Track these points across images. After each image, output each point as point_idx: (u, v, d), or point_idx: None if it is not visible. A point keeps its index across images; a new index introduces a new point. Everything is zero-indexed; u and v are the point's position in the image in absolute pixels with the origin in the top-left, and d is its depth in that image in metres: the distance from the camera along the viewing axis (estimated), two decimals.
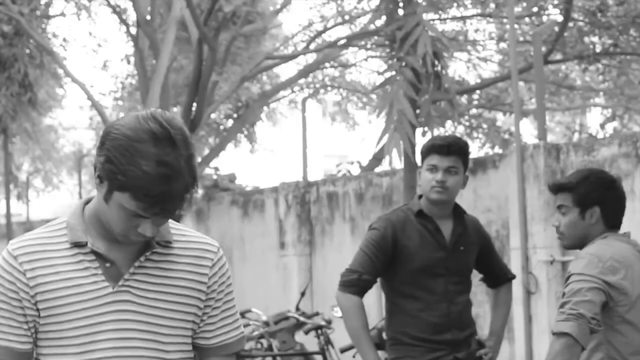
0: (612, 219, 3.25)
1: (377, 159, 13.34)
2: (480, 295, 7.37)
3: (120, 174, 1.91)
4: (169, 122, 1.95)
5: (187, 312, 2.11)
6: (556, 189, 3.32)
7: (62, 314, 2.04)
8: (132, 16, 15.78)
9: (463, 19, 13.64)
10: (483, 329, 5.59)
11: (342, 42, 13.68)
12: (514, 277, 4.18)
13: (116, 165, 1.92)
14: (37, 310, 2.05)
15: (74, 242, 2.06)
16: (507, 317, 4.16)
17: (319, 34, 15.62)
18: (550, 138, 19.38)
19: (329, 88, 17.64)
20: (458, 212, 3.87)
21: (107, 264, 2.05)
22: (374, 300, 7.80)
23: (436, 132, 10.68)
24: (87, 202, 2.13)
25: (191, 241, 2.16)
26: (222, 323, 2.19)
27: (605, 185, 3.26)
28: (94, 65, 29.97)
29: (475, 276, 4.05)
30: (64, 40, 16.36)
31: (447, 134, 14.93)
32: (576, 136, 18.37)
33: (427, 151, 3.78)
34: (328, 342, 7.02)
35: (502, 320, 4.10)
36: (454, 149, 3.75)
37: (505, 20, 12.75)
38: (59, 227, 2.11)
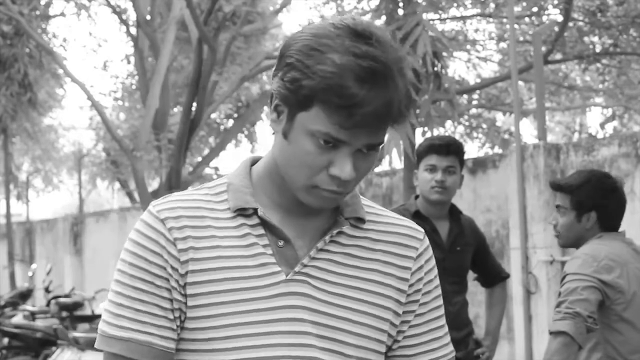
0: (609, 223, 3.24)
1: (377, 159, 13.34)
2: (480, 295, 7.37)
3: (307, 77, 1.38)
4: (369, 22, 1.45)
5: (381, 317, 1.53)
6: (556, 188, 3.32)
7: (217, 305, 1.45)
8: (132, 16, 15.80)
9: (463, 19, 13.65)
10: (483, 329, 5.60)
11: None
12: (508, 276, 4.19)
13: (301, 70, 1.39)
14: (185, 295, 1.47)
15: (238, 209, 1.50)
16: (502, 316, 4.18)
17: None
18: (550, 138, 19.40)
19: None
20: (454, 213, 3.88)
21: (280, 242, 1.49)
22: None
23: (436, 132, 10.69)
24: (254, 162, 1.59)
25: (389, 222, 1.60)
26: (429, 336, 1.59)
27: (604, 192, 3.23)
28: (94, 65, 30.02)
29: (470, 276, 4.06)
30: (64, 40, 16.39)
31: (446, 134, 14.94)
32: (576, 136, 18.38)
33: (426, 151, 3.77)
34: None
35: (498, 319, 4.12)
36: (453, 148, 3.76)
37: (505, 20, 12.76)
38: (217, 189, 1.54)
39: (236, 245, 1.48)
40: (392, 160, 6.91)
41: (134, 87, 18.44)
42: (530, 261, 7.11)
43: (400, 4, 6.60)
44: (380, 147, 1.47)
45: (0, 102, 15.14)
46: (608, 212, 3.21)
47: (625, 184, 6.47)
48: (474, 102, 15.62)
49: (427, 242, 1.61)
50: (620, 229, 3.32)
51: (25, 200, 21.19)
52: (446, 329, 1.61)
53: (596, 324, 2.98)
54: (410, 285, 1.56)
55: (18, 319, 9.30)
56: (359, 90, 1.36)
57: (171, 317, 1.47)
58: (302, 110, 1.41)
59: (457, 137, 17.26)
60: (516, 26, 11.88)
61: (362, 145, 1.41)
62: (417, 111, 6.46)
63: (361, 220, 1.55)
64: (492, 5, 12.38)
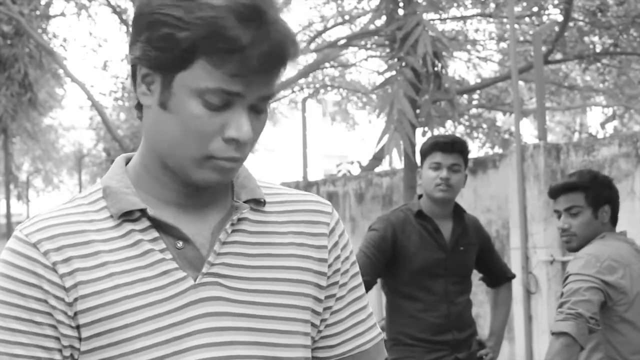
0: (616, 217, 3.30)
1: (377, 159, 13.34)
2: (480, 295, 7.37)
3: (181, 29, 1.18)
4: None
5: (303, 307, 1.33)
6: (565, 190, 3.29)
7: (120, 330, 1.23)
8: (132, 16, 15.79)
9: (463, 19, 13.65)
10: (484, 329, 5.60)
11: (342, 42, 13.68)
12: (513, 276, 4.17)
13: (171, 24, 1.19)
14: (77, 328, 1.24)
15: (123, 213, 1.27)
16: (507, 317, 4.15)
17: (319, 34, 15.62)
18: (550, 138, 19.41)
19: (329, 88, 17.66)
20: (458, 212, 3.86)
21: (179, 243, 1.28)
22: (374, 301, 7.81)
23: (436, 132, 10.70)
24: (128, 161, 1.36)
25: (292, 200, 1.38)
26: (353, 320, 1.40)
27: (611, 184, 3.32)
28: (94, 65, 29.99)
29: (476, 276, 4.05)
30: (64, 40, 16.38)
31: (446, 133, 14.93)
32: (576, 136, 18.38)
33: (430, 149, 3.76)
34: None
35: (503, 319, 4.10)
36: (457, 146, 3.75)
37: (505, 20, 12.77)
38: (92, 197, 1.31)
39: (128, 256, 1.25)
40: (392, 160, 6.91)
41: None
42: (530, 261, 7.10)
43: (400, 4, 6.60)
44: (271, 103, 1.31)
45: (1, 102, 15.14)
46: (616, 205, 3.28)
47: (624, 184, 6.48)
48: (474, 102, 15.61)
49: (336, 215, 1.40)
50: (621, 229, 3.33)
51: (26, 200, 21.19)
52: (370, 310, 1.43)
53: (598, 325, 2.98)
54: (329, 266, 1.36)
55: None
56: (246, 31, 1.17)
57: (58, 358, 1.24)
58: (181, 70, 1.20)
59: None
60: (516, 26, 11.88)
61: (257, 97, 1.23)
62: (417, 111, 6.46)
63: (261, 202, 1.34)
64: (492, 5, 12.38)
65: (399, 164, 7.07)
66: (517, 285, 7.00)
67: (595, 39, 12.59)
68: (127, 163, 1.35)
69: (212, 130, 1.22)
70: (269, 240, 1.33)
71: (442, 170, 3.70)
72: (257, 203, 1.34)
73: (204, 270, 1.27)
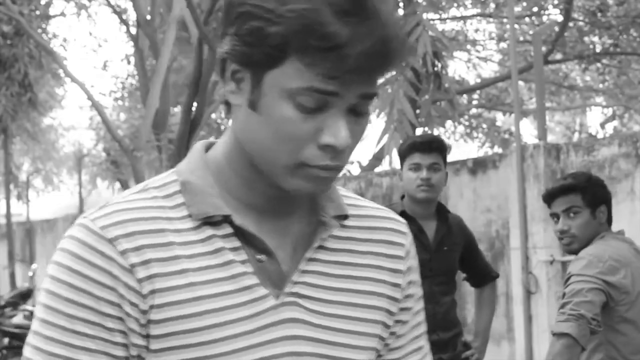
0: (611, 217, 3.30)
1: (377, 159, 13.34)
2: (473, 295, 7.37)
3: (273, 23, 1.04)
4: None
5: (374, 334, 1.24)
6: (562, 191, 3.28)
7: (195, 348, 1.11)
8: (132, 16, 15.81)
9: (463, 19, 13.66)
10: None
11: None
12: (497, 276, 4.15)
13: (262, 17, 1.05)
14: (147, 337, 1.11)
15: (205, 217, 1.14)
16: (492, 317, 4.13)
17: None
18: (550, 138, 19.42)
19: None
20: (442, 212, 3.85)
21: (260, 257, 1.15)
22: None
23: (436, 132, 10.71)
24: (207, 147, 1.21)
25: (371, 215, 1.27)
26: (412, 346, 1.31)
27: (604, 184, 3.33)
28: (94, 65, 30.05)
29: (461, 276, 4.03)
30: (64, 40, 16.39)
31: (446, 133, 14.97)
32: (576, 136, 18.39)
33: (409, 150, 3.75)
34: None
35: (488, 320, 4.07)
36: (435, 145, 3.75)
37: (505, 20, 12.77)
38: (168, 190, 1.17)
39: (209, 265, 1.12)
40: (392, 160, 6.93)
41: (134, 87, 18.45)
42: (530, 261, 7.10)
43: (400, 4, 6.61)
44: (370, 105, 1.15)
45: (1, 102, 15.14)
46: (610, 204, 3.28)
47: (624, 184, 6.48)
48: (474, 102, 15.62)
49: (410, 234, 1.31)
50: (620, 229, 3.34)
51: (26, 200, 21.19)
52: (426, 336, 1.35)
53: (600, 326, 2.98)
54: (402, 290, 1.26)
55: (18, 319, 9.31)
56: (343, 27, 1.03)
57: None
58: (272, 68, 1.07)
59: (457, 137, 17.28)
60: (516, 26, 11.89)
61: (356, 97, 1.08)
62: (417, 111, 6.47)
63: (345, 216, 1.22)
64: (492, 5, 12.39)
65: (398, 164, 7.08)
66: (517, 285, 7.01)
67: (595, 39, 12.60)
68: (206, 150, 1.21)
69: (306, 135, 1.08)
70: (349, 259, 1.22)
71: (422, 171, 3.69)
72: (341, 216, 1.22)
73: (287, 289, 1.16)
